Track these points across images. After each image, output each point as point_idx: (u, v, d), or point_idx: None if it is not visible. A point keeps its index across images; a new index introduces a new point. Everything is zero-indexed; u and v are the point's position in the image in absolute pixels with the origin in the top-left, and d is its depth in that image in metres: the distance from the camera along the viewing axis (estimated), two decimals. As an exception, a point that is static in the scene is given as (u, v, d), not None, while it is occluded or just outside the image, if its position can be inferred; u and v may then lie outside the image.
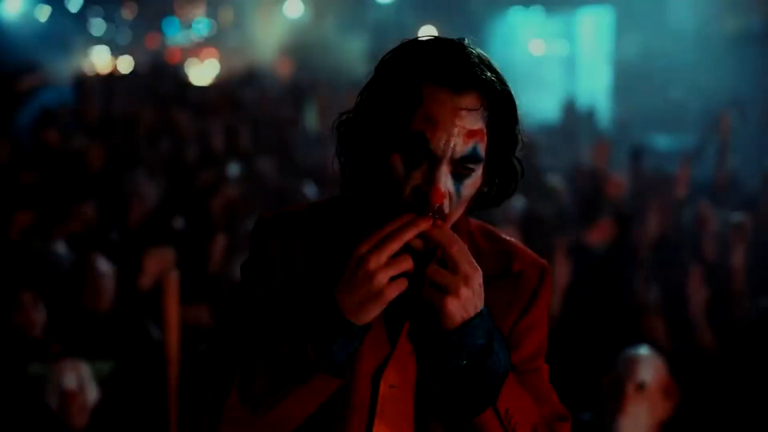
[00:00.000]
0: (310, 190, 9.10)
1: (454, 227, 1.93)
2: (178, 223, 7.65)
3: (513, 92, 1.93)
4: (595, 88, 19.24)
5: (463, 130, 1.83)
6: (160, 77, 16.60)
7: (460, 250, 1.85)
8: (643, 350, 3.94)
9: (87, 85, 14.57)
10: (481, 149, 1.87)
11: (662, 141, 14.87)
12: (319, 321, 1.82)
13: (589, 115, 16.47)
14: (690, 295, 4.84)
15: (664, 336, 5.19)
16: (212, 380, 1.88)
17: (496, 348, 1.87)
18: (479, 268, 1.87)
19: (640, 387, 3.77)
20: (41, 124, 10.72)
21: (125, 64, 21.63)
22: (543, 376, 2.04)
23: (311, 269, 1.95)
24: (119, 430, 4.48)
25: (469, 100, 1.84)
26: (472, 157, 1.86)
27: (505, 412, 1.86)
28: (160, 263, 6.05)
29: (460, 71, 1.85)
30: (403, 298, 1.90)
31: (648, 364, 3.83)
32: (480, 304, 1.86)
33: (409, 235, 1.82)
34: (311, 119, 14.33)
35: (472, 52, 1.90)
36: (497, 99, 1.88)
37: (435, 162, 1.84)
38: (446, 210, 1.87)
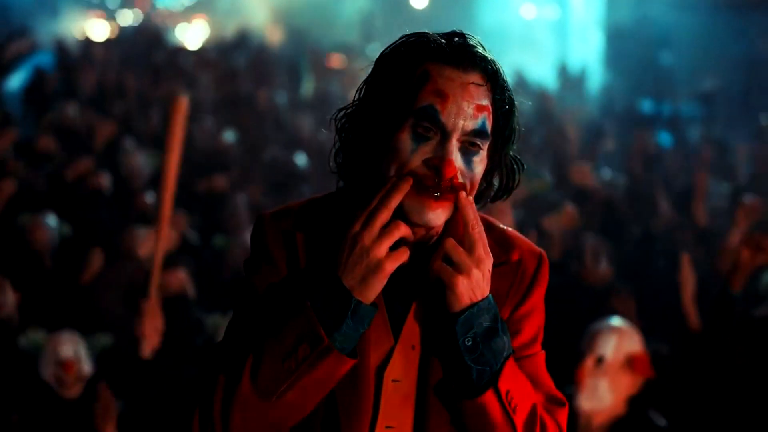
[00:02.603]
0: (300, 160, 9.13)
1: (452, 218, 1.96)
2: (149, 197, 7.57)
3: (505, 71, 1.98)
4: (586, 53, 19.19)
5: (472, 103, 1.88)
6: (150, 42, 16.41)
7: (480, 233, 1.89)
8: (607, 323, 3.91)
9: (77, 50, 14.48)
10: (488, 126, 1.92)
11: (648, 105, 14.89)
12: (328, 303, 1.84)
13: (580, 80, 16.48)
14: (681, 281, 4.86)
15: (634, 315, 5.23)
16: (223, 371, 1.89)
17: (501, 332, 1.91)
18: (491, 255, 1.91)
19: (599, 361, 3.75)
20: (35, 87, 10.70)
21: (114, 28, 21.38)
22: (540, 362, 2.08)
23: (314, 260, 1.98)
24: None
25: (475, 77, 1.91)
26: (481, 132, 1.90)
27: (506, 393, 1.89)
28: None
29: (464, 51, 1.92)
30: (405, 291, 1.95)
31: (609, 337, 3.80)
32: (487, 289, 1.90)
33: (395, 200, 1.86)
34: (308, 86, 14.32)
35: (471, 37, 1.97)
36: (499, 81, 1.94)
37: (445, 136, 1.87)
38: (460, 180, 1.90)
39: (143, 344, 4.30)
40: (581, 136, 10.72)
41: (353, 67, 15.13)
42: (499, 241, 2.05)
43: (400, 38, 1.99)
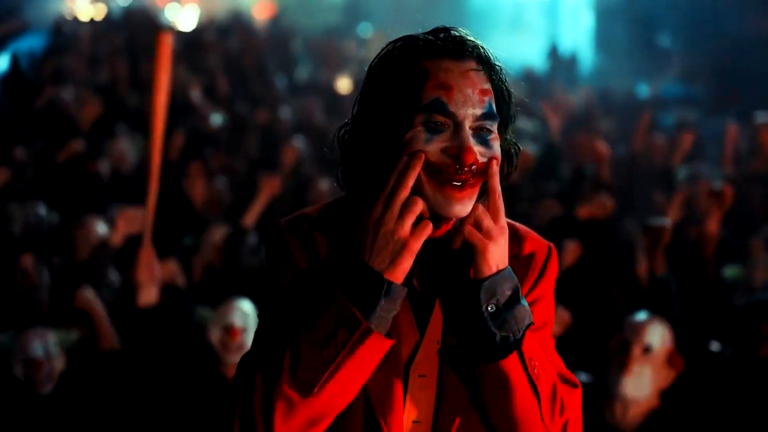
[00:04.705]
0: (298, 143, 9.13)
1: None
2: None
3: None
4: (577, 34, 19.17)
5: (476, 89, 1.93)
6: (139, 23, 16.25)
7: (502, 206, 1.95)
8: (651, 316, 4.07)
9: (66, 32, 14.37)
10: (494, 107, 1.96)
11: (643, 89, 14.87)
12: (359, 288, 1.87)
13: (571, 62, 16.49)
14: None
15: (619, 300, 5.31)
16: (260, 371, 1.89)
17: (522, 300, 1.94)
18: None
19: (647, 350, 3.91)
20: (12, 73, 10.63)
21: (102, 9, 21.16)
22: (551, 345, 2.12)
23: (337, 255, 2.00)
24: (85, 397, 4.55)
25: (471, 64, 1.95)
26: (490, 114, 1.94)
27: (530, 360, 1.92)
28: (130, 222, 6.15)
29: (454, 41, 1.96)
30: (428, 287, 2.00)
31: (656, 329, 3.97)
32: (507, 259, 1.95)
33: (411, 178, 1.89)
34: (302, 68, 14.32)
35: (456, 29, 2.01)
36: (493, 65, 1.99)
37: (458, 125, 1.91)
38: (481, 161, 1.93)
39: (139, 293, 4.25)
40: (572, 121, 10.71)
41: (346, 50, 15.13)
42: (510, 237, 2.06)
43: (387, 45, 2.03)
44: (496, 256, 1.92)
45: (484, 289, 1.90)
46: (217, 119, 9.64)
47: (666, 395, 3.96)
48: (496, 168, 1.93)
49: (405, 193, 1.88)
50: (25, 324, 4.73)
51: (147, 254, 4.26)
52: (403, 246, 1.87)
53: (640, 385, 3.88)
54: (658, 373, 3.92)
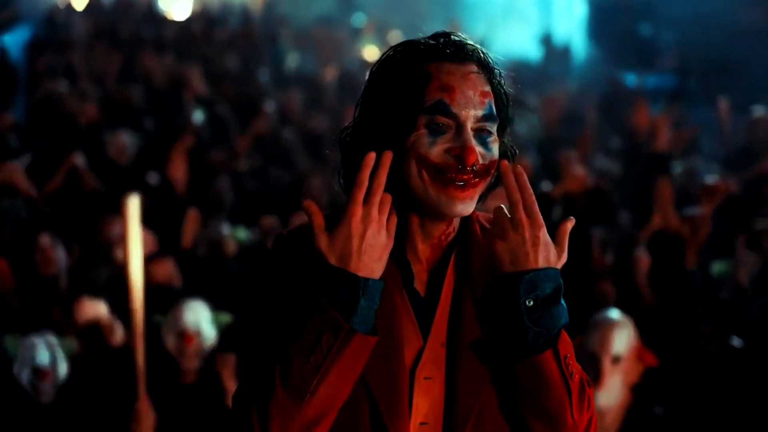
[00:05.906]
0: (289, 136, 9.12)
1: (464, 219, 2.06)
2: (153, 178, 7.62)
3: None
4: (570, 25, 19.12)
5: (477, 91, 1.98)
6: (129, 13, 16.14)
7: (519, 200, 1.96)
8: (615, 317, 3.96)
9: (59, 22, 14.31)
10: (494, 109, 2.01)
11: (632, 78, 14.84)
12: (337, 291, 1.89)
13: (564, 52, 16.47)
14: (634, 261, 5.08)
15: (614, 300, 5.28)
16: (252, 383, 1.93)
17: (562, 300, 1.97)
18: (541, 222, 1.96)
19: (616, 360, 3.82)
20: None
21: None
22: None
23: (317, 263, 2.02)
24: (85, 405, 4.53)
25: (471, 66, 2.01)
26: (490, 115, 1.99)
27: (564, 357, 1.96)
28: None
29: (455, 45, 2.02)
30: (430, 291, 2.04)
31: (622, 334, 3.85)
32: (538, 257, 1.94)
33: (383, 176, 1.92)
34: (292, 59, 14.28)
35: (454, 33, 2.06)
36: (492, 69, 2.04)
37: (460, 126, 1.96)
38: (481, 163, 1.97)
39: None
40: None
41: (337, 39, 15.08)
42: None
43: (387, 50, 2.08)
44: (508, 250, 1.95)
45: (525, 282, 1.94)
46: (199, 116, 9.55)
47: (638, 388, 3.90)
48: (507, 167, 1.97)
49: (380, 193, 1.92)
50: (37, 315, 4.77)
51: (143, 407, 4.12)
52: (388, 243, 1.93)
53: (613, 393, 3.80)
54: (628, 374, 3.84)
